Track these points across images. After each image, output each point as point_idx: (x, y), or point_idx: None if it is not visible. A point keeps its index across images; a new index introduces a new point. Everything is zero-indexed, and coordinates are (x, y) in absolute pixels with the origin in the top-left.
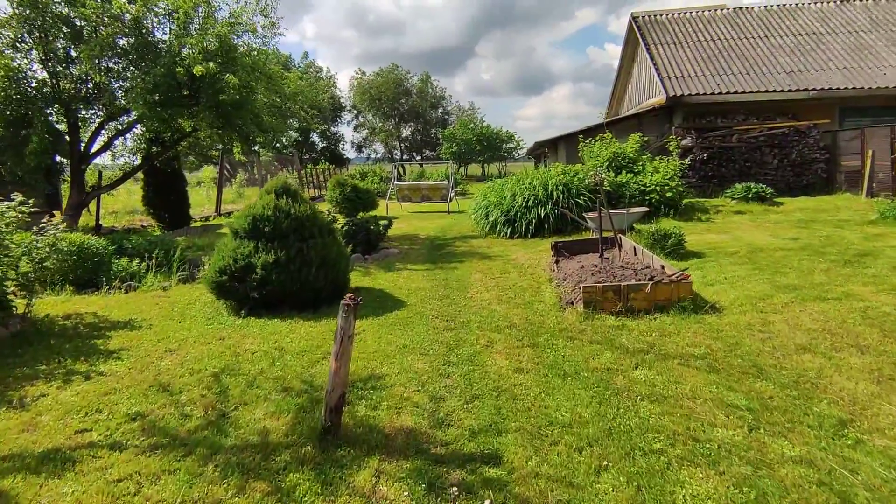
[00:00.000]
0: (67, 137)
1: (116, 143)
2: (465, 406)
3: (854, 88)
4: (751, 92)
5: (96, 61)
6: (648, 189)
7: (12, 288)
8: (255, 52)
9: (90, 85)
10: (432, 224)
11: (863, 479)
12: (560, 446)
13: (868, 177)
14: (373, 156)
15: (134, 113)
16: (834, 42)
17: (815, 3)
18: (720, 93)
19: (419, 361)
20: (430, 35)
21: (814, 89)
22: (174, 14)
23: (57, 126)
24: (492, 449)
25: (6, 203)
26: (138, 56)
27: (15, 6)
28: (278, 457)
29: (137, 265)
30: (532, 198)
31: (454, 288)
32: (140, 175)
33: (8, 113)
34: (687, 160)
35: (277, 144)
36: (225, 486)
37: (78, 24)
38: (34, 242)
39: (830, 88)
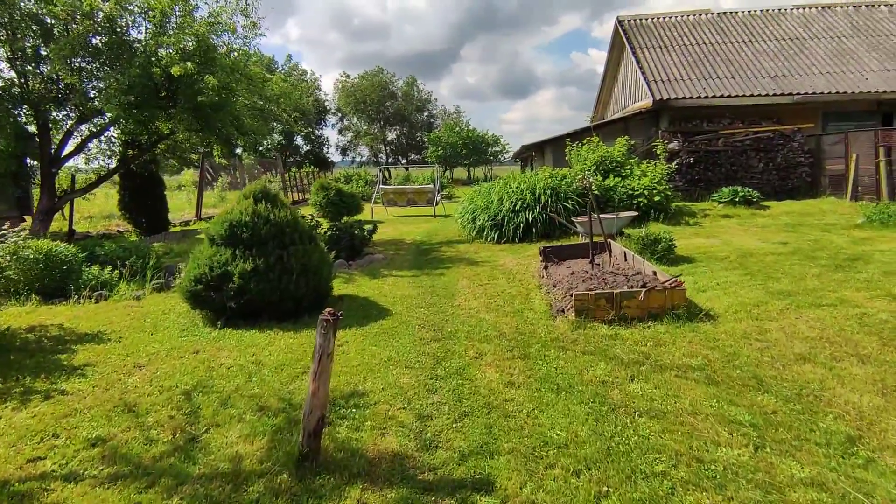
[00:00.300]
0: (38, 139)
1: (91, 145)
2: (453, 425)
3: (837, 93)
4: (737, 96)
5: (67, 61)
6: (636, 193)
7: None
8: (236, 53)
9: (61, 85)
10: (418, 228)
11: None
12: (556, 470)
13: (852, 181)
14: (358, 159)
15: (108, 115)
16: (817, 47)
17: (798, 9)
18: (706, 96)
19: (405, 375)
20: (415, 39)
21: (798, 93)
22: (150, 12)
23: (27, 128)
24: (483, 474)
25: None
26: (113, 56)
27: None
28: (250, 487)
29: (110, 273)
30: (520, 202)
31: (441, 295)
32: (117, 179)
33: None
34: (674, 164)
35: (261, 148)
36: None
37: (48, 21)
38: None
39: (814, 93)
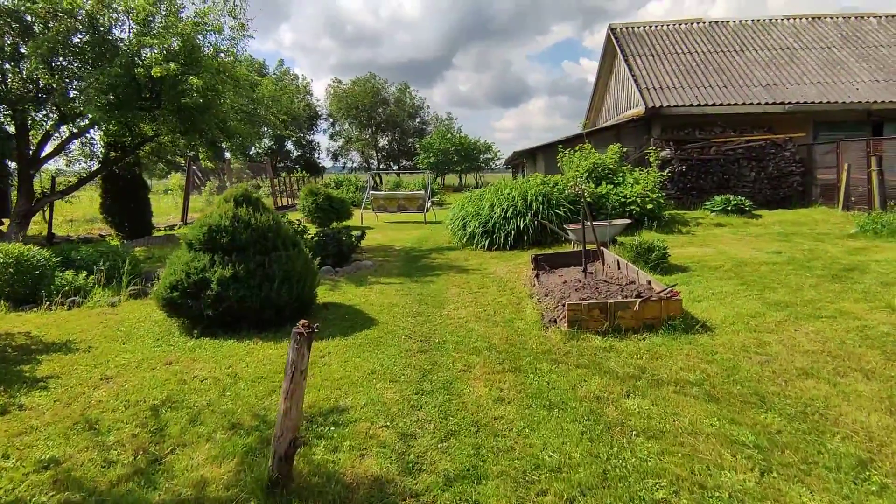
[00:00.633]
0: (16, 140)
1: (72, 146)
2: (439, 445)
3: (829, 102)
4: (729, 105)
5: (46, 59)
6: (629, 200)
7: None
8: (224, 54)
9: (41, 85)
10: (408, 235)
11: None
12: (549, 496)
13: (844, 190)
14: (349, 165)
15: (87, 117)
16: (807, 57)
17: (788, 20)
18: (698, 105)
19: (389, 390)
20: (408, 46)
21: (790, 103)
22: (133, 12)
23: (5, 128)
24: (470, 501)
25: None
26: (95, 55)
27: None
28: None
29: (84, 279)
30: (511, 208)
31: (429, 304)
32: (100, 181)
33: None
34: (666, 172)
35: (251, 152)
36: None
37: (28, 19)
38: None
39: (806, 102)
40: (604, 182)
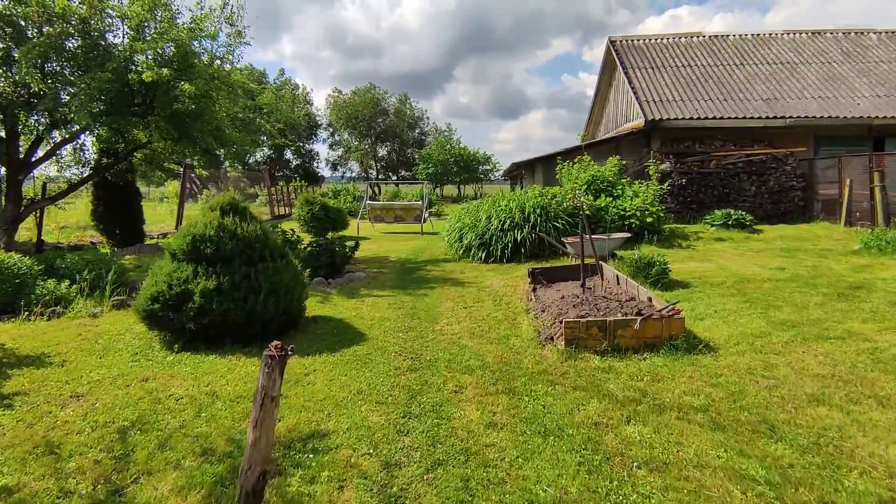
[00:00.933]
0: (5, 145)
1: (64, 152)
2: (425, 476)
3: (830, 117)
4: (730, 118)
5: (37, 64)
6: (628, 213)
7: None
8: (218, 61)
9: (32, 90)
10: (404, 246)
11: None
12: None
13: (846, 206)
14: (348, 174)
15: (77, 123)
16: (808, 71)
17: (788, 34)
18: (699, 118)
19: (375, 413)
20: (408, 58)
21: (791, 117)
22: (127, 17)
23: None
24: None
25: None
26: (87, 60)
27: None
28: None
29: (67, 288)
30: (508, 220)
31: (422, 318)
32: (91, 188)
33: None
34: (666, 185)
35: (250, 160)
36: None
37: (22, 23)
38: None
39: (807, 117)
40: (603, 195)
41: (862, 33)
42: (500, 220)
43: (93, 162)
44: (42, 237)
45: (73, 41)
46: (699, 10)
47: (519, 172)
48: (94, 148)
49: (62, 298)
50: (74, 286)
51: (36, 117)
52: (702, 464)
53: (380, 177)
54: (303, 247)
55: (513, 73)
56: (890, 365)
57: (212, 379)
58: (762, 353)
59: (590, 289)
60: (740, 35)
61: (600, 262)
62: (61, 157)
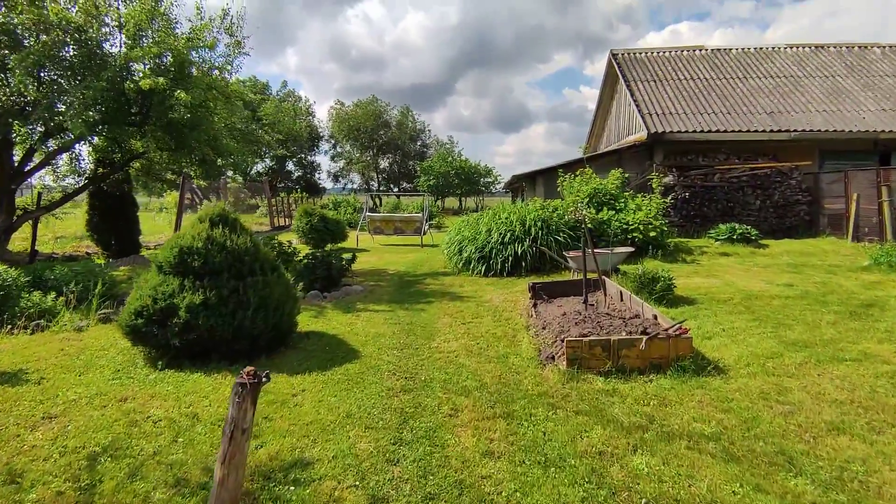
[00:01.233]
0: None
1: (60, 161)
2: None
3: (835, 131)
4: (734, 131)
5: (32, 72)
6: (631, 227)
7: None
8: (217, 71)
9: (27, 98)
10: (403, 258)
11: None
12: None
13: (853, 221)
14: (349, 186)
15: (71, 132)
16: (812, 85)
17: (791, 48)
18: (702, 131)
19: (364, 439)
20: (410, 71)
21: (795, 130)
22: (124, 25)
23: None
24: None
25: None
26: (82, 68)
27: None
28: None
29: (53, 300)
30: (509, 233)
31: (419, 335)
32: (87, 198)
33: None
34: (669, 198)
35: (251, 171)
36: None
37: (18, 32)
38: None
39: (812, 130)
40: (605, 208)
41: (865, 47)
42: (501, 233)
43: (89, 172)
44: (36, 247)
45: (69, 49)
46: (700, 25)
47: (520, 185)
48: (90, 158)
49: (47, 311)
50: (61, 298)
51: (30, 126)
52: (716, 500)
53: (381, 188)
54: (299, 259)
55: (514, 87)
56: None
57: (194, 399)
58: (775, 375)
59: (592, 305)
60: (743, 49)
61: (603, 276)
62: (57, 167)
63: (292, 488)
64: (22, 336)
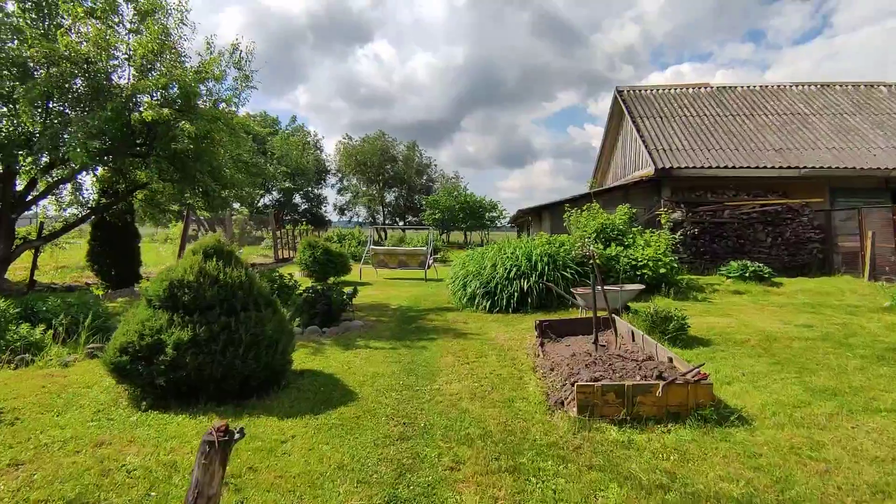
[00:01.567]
0: (1, 183)
1: (63, 191)
2: None
3: (846, 168)
4: (742, 168)
5: (37, 104)
6: (640, 264)
7: None
8: (224, 103)
9: (34, 129)
10: (406, 292)
11: None
12: None
13: (870, 259)
14: (355, 219)
15: (74, 163)
16: (820, 122)
17: (797, 86)
18: (709, 167)
19: (355, 495)
20: (418, 108)
21: (805, 167)
22: (133, 57)
23: None
24: None
25: None
26: (89, 99)
27: None
28: None
29: (42, 333)
30: (514, 269)
31: (420, 374)
32: (89, 228)
33: None
34: (678, 234)
35: (259, 203)
36: None
37: (30, 64)
38: None
39: (822, 167)
40: (613, 244)
41: (872, 86)
42: (506, 268)
43: (92, 202)
44: (35, 277)
45: (77, 81)
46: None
47: (525, 220)
48: (94, 188)
49: (34, 345)
50: (49, 332)
51: (34, 156)
52: None
53: (387, 222)
54: (299, 293)
55: (519, 124)
56: None
57: (175, 445)
58: (805, 427)
59: (603, 346)
60: (748, 87)
61: (613, 315)
62: (60, 196)
63: None
64: (5, 371)
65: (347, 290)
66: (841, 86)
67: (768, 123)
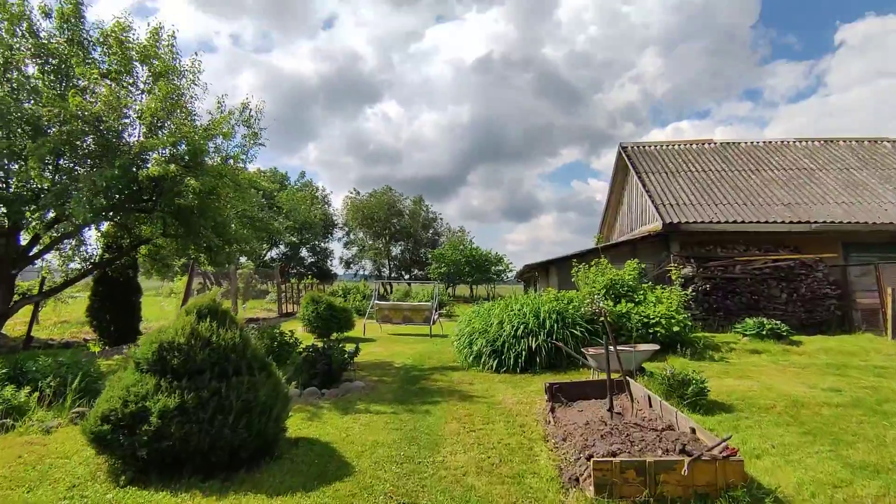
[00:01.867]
0: (4, 238)
1: (67, 245)
2: None
3: (858, 223)
4: (751, 222)
5: (46, 161)
6: (653, 321)
7: None
8: (232, 160)
9: (42, 186)
10: (411, 349)
11: None
12: None
13: (892, 317)
14: (361, 272)
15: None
16: (827, 177)
17: (800, 142)
18: (718, 221)
19: None
20: (424, 164)
21: (816, 222)
22: (143, 115)
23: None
24: None
25: None
26: (98, 156)
27: None
28: None
29: (27, 395)
30: (522, 326)
31: (422, 444)
32: (91, 283)
33: None
34: (689, 290)
35: (265, 257)
36: None
37: (44, 121)
38: None
39: (834, 222)
40: (623, 300)
41: (875, 141)
42: (514, 326)
43: (96, 257)
44: (35, 332)
45: (88, 139)
46: (700, 123)
47: (532, 275)
48: (98, 243)
49: (14, 409)
50: (35, 394)
51: (40, 211)
52: None
53: (393, 275)
54: (299, 350)
55: (524, 179)
56: None
57: None
58: None
59: (619, 413)
60: (751, 142)
61: (627, 377)
62: (64, 250)
63: None
64: None
65: (350, 347)
66: (844, 141)
67: (774, 178)
